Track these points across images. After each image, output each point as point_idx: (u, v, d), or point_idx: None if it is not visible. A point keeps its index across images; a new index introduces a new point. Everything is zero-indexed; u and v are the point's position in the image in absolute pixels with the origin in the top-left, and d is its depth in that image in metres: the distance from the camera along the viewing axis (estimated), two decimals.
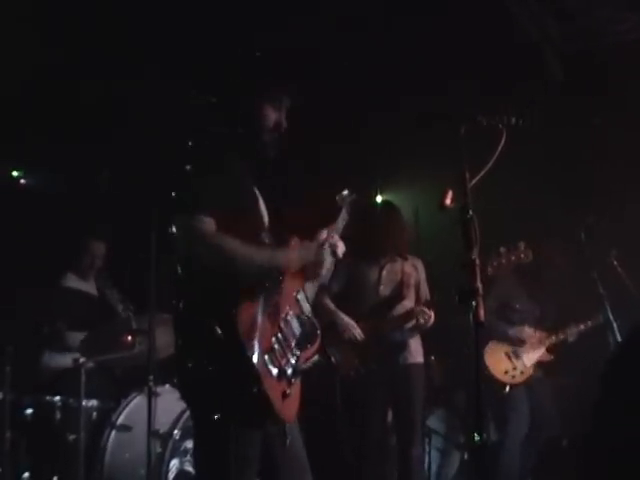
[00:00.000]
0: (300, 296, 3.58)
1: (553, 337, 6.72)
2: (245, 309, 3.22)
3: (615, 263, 6.40)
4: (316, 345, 3.55)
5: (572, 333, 6.72)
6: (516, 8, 6.62)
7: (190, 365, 3.27)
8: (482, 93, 6.63)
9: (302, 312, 3.54)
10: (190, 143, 3.44)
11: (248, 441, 3.25)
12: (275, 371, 3.28)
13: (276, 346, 3.32)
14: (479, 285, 2.99)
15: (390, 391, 5.90)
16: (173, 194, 3.35)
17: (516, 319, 6.78)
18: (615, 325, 6.23)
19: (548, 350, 6.74)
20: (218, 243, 3.22)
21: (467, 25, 6.43)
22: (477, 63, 6.74)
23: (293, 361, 3.40)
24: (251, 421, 3.26)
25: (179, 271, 3.37)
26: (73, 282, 6.48)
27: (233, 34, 5.87)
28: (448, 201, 3.21)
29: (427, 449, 6.72)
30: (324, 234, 3.92)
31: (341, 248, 3.93)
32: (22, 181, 7.50)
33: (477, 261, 3.03)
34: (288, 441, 3.38)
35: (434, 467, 7.00)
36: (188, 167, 3.34)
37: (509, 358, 6.67)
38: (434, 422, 7.16)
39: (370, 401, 5.88)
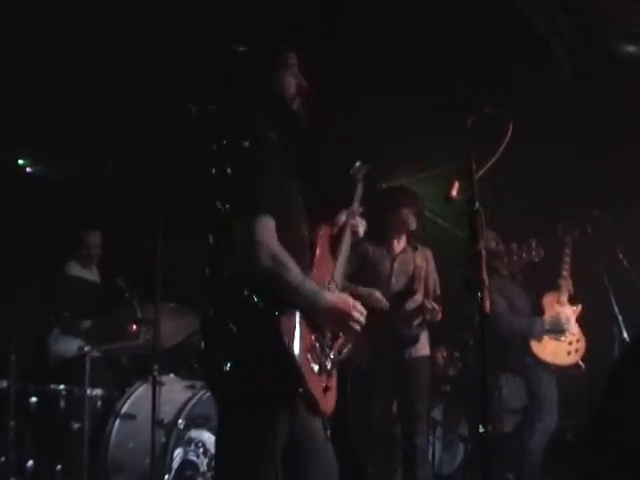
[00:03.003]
0: (331, 286, 3.56)
1: (563, 290, 6.67)
2: (286, 311, 3.19)
3: (621, 256, 6.39)
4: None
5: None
6: (523, 1, 6.59)
7: (228, 366, 3.20)
8: (489, 85, 6.61)
9: None
10: (226, 145, 3.36)
11: (279, 436, 3.23)
12: (317, 368, 3.28)
13: (316, 344, 3.32)
14: (485, 277, 2.99)
15: (395, 382, 5.90)
16: (228, 196, 3.27)
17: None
18: (620, 318, 6.23)
19: (571, 303, 6.70)
20: (276, 255, 3.15)
21: (475, 17, 6.41)
22: (484, 55, 6.72)
23: (332, 355, 3.41)
24: (287, 417, 3.23)
25: (217, 271, 3.33)
26: (75, 270, 6.50)
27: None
28: (454, 192, 3.20)
29: (431, 440, 6.74)
30: (343, 216, 3.90)
31: (362, 227, 3.95)
32: (28, 170, 7.51)
33: (483, 253, 3.03)
34: (328, 432, 3.39)
35: (438, 458, 7.02)
36: (235, 169, 3.26)
37: (558, 340, 6.63)
38: (439, 414, 7.18)
39: (375, 392, 5.88)
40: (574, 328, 6.64)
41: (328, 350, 3.40)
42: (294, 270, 3.18)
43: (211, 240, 3.36)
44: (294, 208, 3.41)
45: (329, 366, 3.37)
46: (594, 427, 2.62)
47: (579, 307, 6.69)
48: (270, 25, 6.05)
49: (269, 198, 3.20)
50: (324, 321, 3.34)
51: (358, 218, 3.97)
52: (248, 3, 6.13)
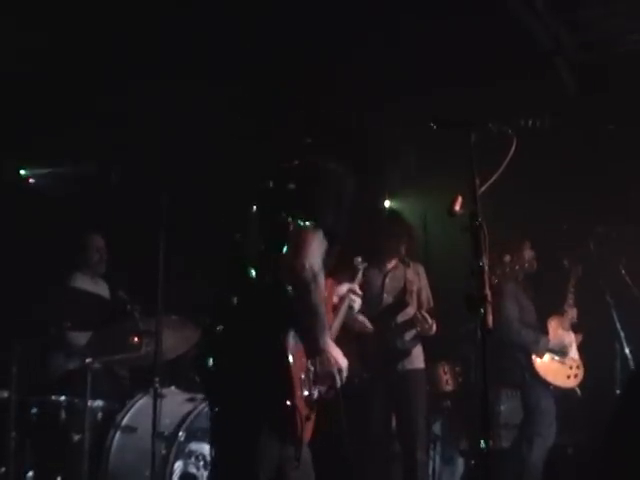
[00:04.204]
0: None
1: (567, 317, 6.69)
2: (290, 334, 3.32)
3: (623, 272, 6.39)
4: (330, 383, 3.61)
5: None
6: (529, 18, 6.60)
7: (228, 373, 3.35)
8: (494, 101, 6.61)
9: None
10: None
11: (269, 453, 3.32)
12: (305, 393, 3.38)
13: (311, 368, 3.43)
14: (487, 292, 2.98)
15: (391, 397, 5.90)
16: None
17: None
18: (622, 335, 6.23)
19: (574, 331, 6.72)
20: (316, 273, 3.24)
21: (480, 34, 6.42)
22: (489, 72, 6.73)
23: (315, 391, 3.48)
24: (276, 434, 3.32)
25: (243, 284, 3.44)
26: (81, 282, 6.48)
27: None
28: (457, 207, 3.20)
29: (431, 455, 6.71)
30: (345, 288, 4.05)
31: (358, 305, 4.09)
32: (31, 180, 7.50)
33: (486, 268, 3.02)
34: (299, 464, 3.42)
35: (438, 473, 6.99)
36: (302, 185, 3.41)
37: (560, 362, 6.67)
38: (439, 428, 7.15)
39: (370, 407, 5.88)
40: (575, 354, 6.68)
41: (313, 384, 3.48)
42: (322, 293, 3.29)
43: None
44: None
45: (314, 398, 3.47)
46: (610, 440, 2.62)
47: (580, 336, 6.72)
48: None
49: (333, 221, 3.33)
50: (314, 357, 3.43)
51: (356, 296, 4.10)
52: None
